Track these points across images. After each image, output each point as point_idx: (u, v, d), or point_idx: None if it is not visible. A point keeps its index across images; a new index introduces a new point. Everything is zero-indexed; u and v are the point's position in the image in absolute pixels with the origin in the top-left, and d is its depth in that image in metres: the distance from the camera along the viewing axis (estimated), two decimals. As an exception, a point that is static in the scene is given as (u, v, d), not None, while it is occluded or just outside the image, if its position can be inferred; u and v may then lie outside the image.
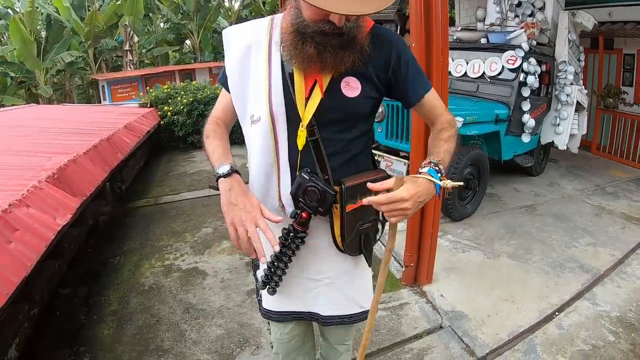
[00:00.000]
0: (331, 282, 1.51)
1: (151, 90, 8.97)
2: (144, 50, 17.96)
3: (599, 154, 7.28)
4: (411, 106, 1.43)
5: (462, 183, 1.44)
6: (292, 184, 1.34)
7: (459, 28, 5.95)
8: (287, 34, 1.27)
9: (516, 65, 4.98)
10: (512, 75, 5.04)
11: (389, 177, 1.26)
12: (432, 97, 1.42)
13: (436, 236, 3.23)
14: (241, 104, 1.41)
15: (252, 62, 1.37)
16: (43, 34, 16.18)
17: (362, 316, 1.57)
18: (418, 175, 1.24)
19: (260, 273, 1.49)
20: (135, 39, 15.59)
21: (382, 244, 2.82)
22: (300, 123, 1.32)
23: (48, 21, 15.99)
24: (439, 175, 1.27)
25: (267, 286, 1.44)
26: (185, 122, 7.91)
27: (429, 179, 1.24)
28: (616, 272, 3.54)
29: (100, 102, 14.12)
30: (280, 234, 1.35)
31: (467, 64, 5.44)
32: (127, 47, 15.21)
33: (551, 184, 5.83)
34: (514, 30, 5.26)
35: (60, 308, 3.22)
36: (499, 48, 5.24)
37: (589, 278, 3.44)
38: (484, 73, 5.27)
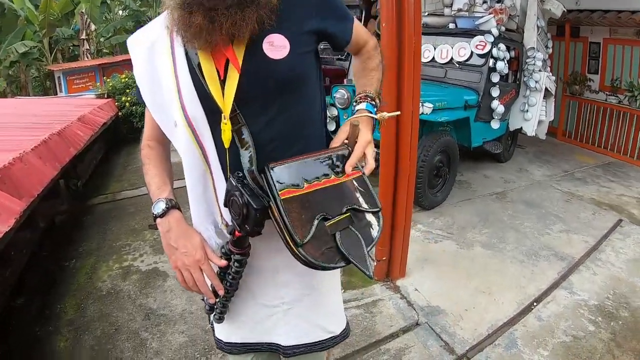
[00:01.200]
0: (290, 308, 1.28)
1: (108, 80, 8.57)
2: (102, 39, 17.26)
3: (565, 140, 7.35)
4: (342, 48, 1.29)
5: (398, 112, 1.39)
6: None
7: (425, 13, 5.85)
8: (174, 14, 1.06)
9: (485, 51, 4.92)
10: (481, 61, 4.98)
11: (348, 149, 1.15)
12: (357, 28, 1.27)
13: (409, 228, 3.14)
14: (161, 115, 1.19)
15: (158, 63, 1.15)
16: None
17: (331, 342, 1.34)
18: (361, 115, 1.19)
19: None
20: (93, 27, 14.95)
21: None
22: (222, 114, 1.09)
23: (1, 10, 15.12)
24: (375, 109, 1.22)
25: (213, 313, 1.26)
26: (145, 112, 7.55)
27: (369, 115, 1.20)
28: (591, 259, 3.54)
29: (57, 94, 13.48)
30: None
31: (435, 49, 5.36)
32: (83, 36, 14.56)
33: (520, 169, 5.84)
34: (483, 16, 5.19)
35: (14, 321, 2.96)
36: (468, 33, 5.17)
37: (564, 266, 3.42)
38: (452, 59, 5.19)
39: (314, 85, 1.21)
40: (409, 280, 3.20)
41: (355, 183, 1.12)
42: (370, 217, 1.10)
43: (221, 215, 1.16)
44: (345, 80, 6.30)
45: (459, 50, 5.12)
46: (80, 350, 2.62)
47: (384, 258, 3.17)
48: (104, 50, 18.69)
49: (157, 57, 1.15)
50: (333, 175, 1.09)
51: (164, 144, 1.30)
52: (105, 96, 7.80)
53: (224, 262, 1.12)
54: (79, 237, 4.12)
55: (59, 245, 3.96)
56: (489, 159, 5.99)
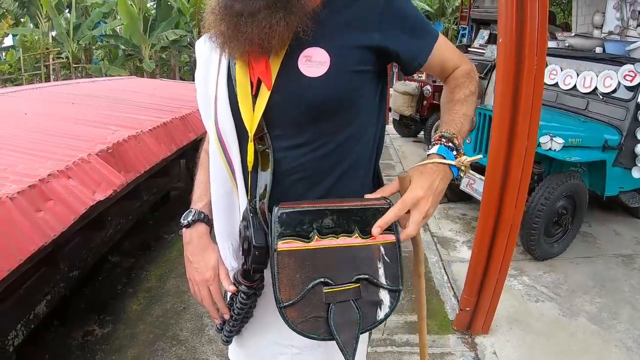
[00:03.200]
0: (299, 354, 1.14)
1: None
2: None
3: None
4: (412, 72, 1.10)
5: (481, 156, 1.07)
6: None
7: (573, 34, 5.30)
8: (209, 18, 1.01)
9: (634, 83, 4.27)
10: (628, 95, 4.33)
11: (388, 205, 0.95)
12: (441, 49, 1.08)
13: (502, 281, 2.78)
14: (207, 122, 1.17)
15: (210, 70, 1.13)
16: (154, 11, 17.71)
17: None
18: (425, 162, 0.98)
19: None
20: None
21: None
22: (249, 134, 1.01)
23: (157, 1, 17.29)
24: (454, 152, 0.99)
25: (221, 332, 1.21)
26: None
27: (441, 162, 0.96)
28: None
29: None
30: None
31: (578, 75, 4.77)
32: None
33: (661, 232, 4.98)
34: (636, 41, 4.54)
35: (104, 275, 3.44)
36: (616, 60, 4.54)
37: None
38: (596, 88, 4.60)
39: (366, 113, 1.06)
40: (491, 339, 2.91)
41: (382, 249, 0.92)
42: (384, 295, 0.92)
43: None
44: (483, 102, 5.97)
45: (605, 79, 4.51)
46: (147, 317, 2.91)
47: (468, 308, 2.89)
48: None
49: (211, 64, 1.13)
50: (357, 234, 0.91)
51: None
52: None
53: (232, 289, 1.07)
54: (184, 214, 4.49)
55: (165, 218, 4.37)
56: (624, 212, 5.20)
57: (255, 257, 0.93)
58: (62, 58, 17.29)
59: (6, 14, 16.58)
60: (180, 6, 16.76)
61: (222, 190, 1.09)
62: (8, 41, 18.05)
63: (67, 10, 17.17)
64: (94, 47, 18.94)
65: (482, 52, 7.07)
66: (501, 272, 2.71)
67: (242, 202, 1.05)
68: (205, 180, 1.19)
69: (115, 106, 4.75)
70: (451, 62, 1.11)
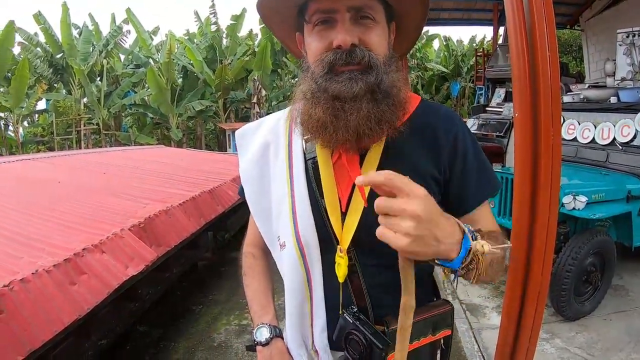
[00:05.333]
0: None
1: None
2: (273, 103, 19.45)
3: None
4: (461, 215, 1.03)
5: (509, 244, 0.94)
6: (328, 327, 1.10)
7: (586, 85, 5.37)
8: (301, 106, 1.05)
9: (651, 129, 4.30)
10: (647, 142, 4.36)
11: (451, 312, 1.07)
12: (486, 210, 1.10)
13: (534, 346, 2.72)
14: (265, 223, 1.17)
15: (272, 164, 1.15)
16: (180, 81, 18.83)
17: None
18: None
19: None
20: (263, 92, 17.09)
21: None
22: (339, 247, 1.04)
23: (184, 72, 18.46)
24: (470, 236, 0.88)
25: None
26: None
27: (461, 227, 0.83)
28: None
29: (225, 150, 15.70)
30: None
31: (595, 128, 4.83)
32: (254, 100, 16.69)
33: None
34: (650, 87, 4.59)
35: (132, 344, 3.57)
36: (632, 108, 4.59)
37: None
38: (614, 139, 4.64)
39: None
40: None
41: (441, 341, 1.07)
42: None
43: (312, 342, 1.13)
44: (504, 161, 6.02)
45: (622, 128, 4.54)
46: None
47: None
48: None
49: (272, 158, 1.14)
50: (430, 334, 1.04)
51: (268, 254, 1.25)
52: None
53: None
54: (212, 285, 4.65)
55: (193, 289, 4.50)
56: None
57: (382, 357, 0.95)
58: (93, 124, 18.26)
59: (41, 79, 17.75)
60: (206, 77, 17.84)
61: (296, 301, 1.11)
62: (41, 105, 19.27)
63: (98, 79, 18.23)
64: (123, 115, 19.97)
65: (499, 111, 7.22)
66: (532, 340, 2.67)
67: (318, 308, 1.09)
68: (262, 288, 1.24)
69: (145, 178, 5.04)
70: (486, 228, 1.04)
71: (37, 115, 20.58)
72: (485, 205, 1.10)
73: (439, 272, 0.92)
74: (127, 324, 3.34)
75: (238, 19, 18.14)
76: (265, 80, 17.49)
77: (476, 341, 3.65)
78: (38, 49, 17.46)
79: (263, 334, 1.15)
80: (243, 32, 19.57)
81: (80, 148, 16.54)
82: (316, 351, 1.11)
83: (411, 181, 0.74)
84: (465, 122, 1.10)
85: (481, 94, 9.51)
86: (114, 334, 3.11)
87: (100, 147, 16.77)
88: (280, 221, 1.11)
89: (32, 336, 2.00)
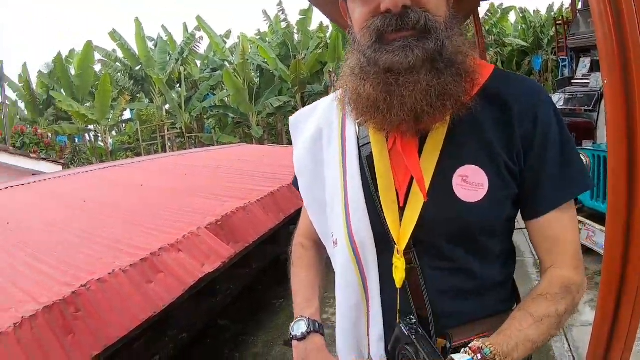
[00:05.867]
0: None
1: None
2: (352, 95, 19.56)
3: None
4: (530, 219, 0.92)
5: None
6: (386, 335, 0.96)
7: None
8: (348, 85, 0.91)
9: None
10: None
11: None
12: (565, 217, 0.90)
13: (632, 342, 2.41)
14: (318, 216, 1.07)
15: (325, 153, 1.03)
16: (257, 80, 19.23)
17: None
18: None
19: None
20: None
21: None
22: (396, 247, 0.90)
23: (260, 70, 18.84)
24: None
25: None
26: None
27: None
28: None
29: None
30: None
31: None
32: (332, 92, 16.78)
33: None
34: None
35: (212, 338, 3.62)
36: None
37: None
38: None
39: (508, 233, 0.97)
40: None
41: None
42: None
43: (368, 350, 1.01)
44: (595, 137, 5.51)
45: None
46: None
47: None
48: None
49: (325, 145, 1.04)
50: None
51: (320, 246, 1.15)
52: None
53: None
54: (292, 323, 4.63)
55: (273, 283, 4.49)
56: None
57: None
58: (176, 128, 19.19)
59: (123, 90, 19.09)
60: (281, 74, 18.14)
61: (349, 303, 1.01)
62: (127, 115, 20.70)
63: (177, 86, 19.15)
64: (205, 117, 20.77)
65: (586, 83, 6.61)
66: (629, 339, 2.36)
67: (375, 315, 0.97)
68: (309, 280, 1.13)
69: (226, 176, 5.10)
70: (561, 248, 0.90)
71: (123, 125, 22.02)
72: (564, 210, 0.89)
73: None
74: (207, 319, 3.41)
75: (307, 13, 18.28)
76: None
77: (566, 339, 3.29)
78: (117, 63, 18.96)
79: (300, 328, 1.03)
80: (313, 26, 19.70)
81: (165, 152, 17.38)
82: None
83: None
84: (551, 98, 0.84)
85: (565, 66, 8.79)
86: (194, 328, 3.19)
87: (184, 149, 17.56)
88: (333, 215, 1.00)
89: (108, 332, 2.03)
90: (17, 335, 1.76)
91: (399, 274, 0.90)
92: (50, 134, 16.25)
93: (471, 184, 0.85)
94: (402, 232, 0.89)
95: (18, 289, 2.17)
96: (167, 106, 19.27)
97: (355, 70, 0.89)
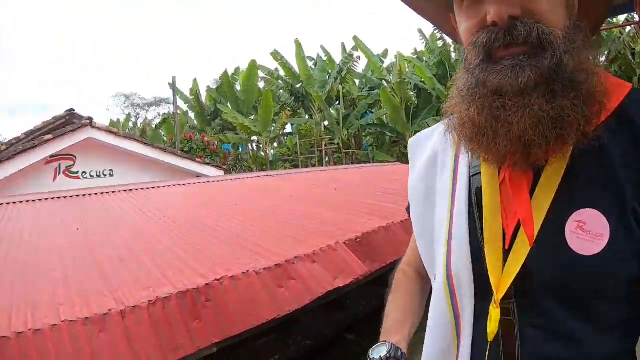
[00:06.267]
0: None
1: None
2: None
3: None
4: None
5: None
6: None
7: None
8: (455, 108, 0.82)
9: None
10: None
11: None
12: None
13: None
14: (426, 247, 0.95)
15: (438, 180, 0.94)
16: (415, 99, 19.23)
17: None
18: None
19: None
20: None
21: None
22: (494, 295, 0.77)
23: (417, 90, 18.69)
24: None
25: None
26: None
27: None
28: None
29: None
30: None
31: None
32: None
33: None
34: None
35: (338, 349, 3.64)
36: None
37: None
38: None
39: (621, 305, 0.75)
40: None
41: None
42: None
43: None
44: None
45: None
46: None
47: None
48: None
49: (439, 172, 0.95)
50: None
51: (424, 277, 1.04)
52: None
53: None
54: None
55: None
56: None
57: None
58: (334, 144, 19.92)
59: (285, 106, 20.50)
60: (439, 94, 17.88)
61: (439, 345, 0.90)
62: (287, 129, 22.16)
63: (336, 103, 19.93)
64: (363, 135, 21.29)
65: None
66: None
67: None
68: (403, 307, 1.04)
69: (373, 194, 5.11)
70: None
71: (284, 138, 23.56)
72: None
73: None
74: (335, 330, 3.40)
75: (463, 31, 17.99)
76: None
77: None
78: (279, 81, 20.45)
79: (380, 352, 0.90)
80: None
81: (321, 165, 18.29)
82: None
83: None
84: None
85: None
86: (320, 337, 3.21)
87: (341, 164, 18.23)
88: (438, 247, 0.89)
89: (231, 325, 2.14)
90: (150, 311, 1.98)
91: (492, 326, 0.76)
92: (216, 142, 17.95)
93: (588, 232, 0.70)
94: (502, 279, 0.76)
95: (161, 273, 2.40)
96: (325, 122, 20.18)
97: (462, 92, 0.79)
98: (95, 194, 5.70)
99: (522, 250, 0.74)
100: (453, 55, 19.04)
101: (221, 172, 11.54)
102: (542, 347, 0.74)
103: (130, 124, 27.71)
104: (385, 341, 0.94)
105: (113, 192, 5.80)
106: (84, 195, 5.59)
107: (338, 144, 19.74)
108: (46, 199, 5.31)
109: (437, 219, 0.92)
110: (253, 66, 19.12)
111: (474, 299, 0.81)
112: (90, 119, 9.38)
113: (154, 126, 24.88)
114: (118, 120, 28.19)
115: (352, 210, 4.18)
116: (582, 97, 0.69)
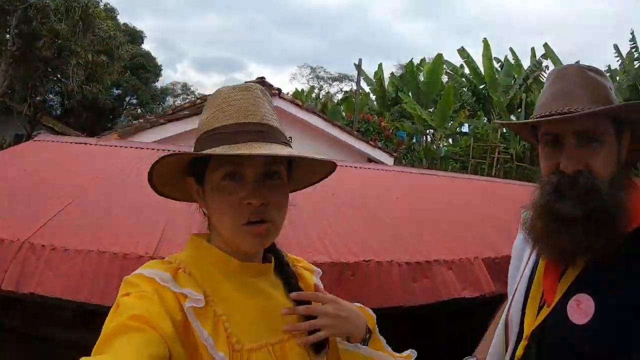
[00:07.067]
0: None
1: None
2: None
3: None
4: None
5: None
6: None
7: None
8: (530, 213, 1.20)
9: None
10: None
11: None
12: None
13: None
14: (509, 294, 1.39)
15: (526, 251, 1.33)
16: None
17: None
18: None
19: None
20: None
21: None
22: (524, 333, 1.18)
23: None
24: None
25: None
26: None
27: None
28: None
29: None
30: None
31: None
32: None
33: None
34: None
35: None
36: None
37: None
38: None
39: None
40: None
41: None
42: None
43: None
44: None
45: None
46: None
47: None
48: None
49: (525, 250, 1.35)
50: None
51: None
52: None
53: None
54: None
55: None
56: None
57: None
58: (508, 154, 19.03)
59: (465, 105, 20.11)
60: None
61: (495, 357, 1.32)
62: (464, 128, 21.87)
63: (518, 110, 18.98)
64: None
65: None
66: None
67: None
68: (492, 334, 1.42)
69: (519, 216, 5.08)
70: None
71: (459, 137, 23.13)
72: None
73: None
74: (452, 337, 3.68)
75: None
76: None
77: None
78: (463, 79, 20.02)
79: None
80: None
81: (492, 173, 17.83)
82: None
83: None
84: None
85: None
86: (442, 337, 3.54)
87: (511, 177, 17.61)
88: (509, 299, 1.34)
89: (364, 299, 2.49)
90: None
91: (518, 353, 1.17)
92: (391, 128, 18.36)
93: (581, 308, 1.05)
94: (532, 324, 1.16)
95: (321, 243, 2.93)
96: (503, 129, 19.38)
97: (536, 203, 1.16)
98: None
99: (544, 312, 1.15)
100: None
101: (391, 159, 11.94)
102: None
103: (313, 96, 29.23)
104: (475, 356, 1.44)
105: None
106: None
107: (512, 154, 18.87)
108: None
109: (516, 277, 1.35)
110: (439, 59, 19.03)
111: (516, 334, 1.22)
112: (279, 89, 10.40)
113: (335, 101, 26.09)
114: (302, 90, 29.85)
115: (498, 227, 4.26)
116: (612, 228, 1.04)
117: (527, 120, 1.18)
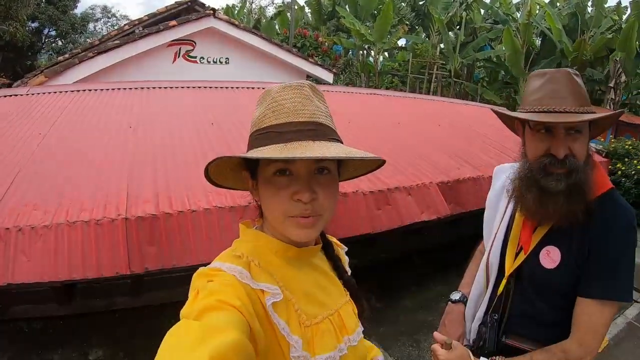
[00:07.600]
0: None
1: (615, 139, 8.55)
2: (633, 92, 17.08)
3: None
4: (576, 296, 1.40)
5: None
6: (483, 315, 1.59)
7: None
8: (516, 182, 1.48)
9: None
10: None
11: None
12: (597, 313, 1.34)
13: None
14: (486, 239, 1.69)
15: (501, 204, 1.63)
16: (537, 46, 18.22)
17: None
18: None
19: None
20: (623, 77, 14.90)
21: None
22: (504, 274, 1.52)
23: (543, 36, 17.69)
24: None
25: None
26: (631, 190, 7.21)
27: None
28: None
29: None
30: None
31: None
32: (612, 84, 14.75)
33: None
34: None
35: (403, 267, 4.51)
36: None
37: None
38: None
39: (570, 297, 1.41)
40: None
41: None
42: None
43: (472, 321, 1.65)
44: None
45: None
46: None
47: None
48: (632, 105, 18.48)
49: (501, 200, 1.64)
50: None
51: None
52: (604, 155, 7.89)
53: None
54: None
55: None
56: None
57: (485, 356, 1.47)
58: (445, 70, 19.41)
59: (404, 20, 20.04)
60: (564, 47, 16.65)
61: (477, 292, 1.65)
62: (401, 43, 21.72)
63: (457, 28, 19.17)
64: (477, 67, 20.57)
65: None
66: None
67: (485, 304, 1.59)
68: (473, 272, 1.72)
69: (474, 140, 5.44)
70: (577, 326, 1.36)
71: (396, 52, 23.16)
72: (594, 304, 1.34)
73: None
74: (406, 252, 4.14)
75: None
76: (628, 64, 15.05)
77: None
78: None
79: (455, 296, 1.71)
80: (611, 2, 17.39)
81: (429, 89, 18.22)
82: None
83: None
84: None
85: None
86: (393, 254, 4.02)
87: (448, 92, 18.30)
88: (487, 244, 1.66)
89: (335, 232, 2.78)
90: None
91: (500, 288, 1.53)
92: (327, 43, 18.05)
93: (550, 257, 1.41)
94: (510, 267, 1.50)
95: None
96: (441, 46, 19.55)
97: (521, 174, 1.45)
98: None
99: (522, 255, 1.48)
100: (589, 9, 17.51)
101: (331, 75, 11.83)
102: (521, 305, 1.49)
103: (245, 11, 27.96)
104: (460, 290, 1.73)
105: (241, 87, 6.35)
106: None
107: (450, 70, 19.20)
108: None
109: (493, 226, 1.65)
110: (383, -27, 18.53)
111: (496, 274, 1.57)
112: (214, 9, 9.88)
113: (268, 16, 25.09)
114: (233, 5, 28.35)
115: (450, 153, 4.57)
116: (582, 200, 1.34)
117: (526, 114, 1.37)
